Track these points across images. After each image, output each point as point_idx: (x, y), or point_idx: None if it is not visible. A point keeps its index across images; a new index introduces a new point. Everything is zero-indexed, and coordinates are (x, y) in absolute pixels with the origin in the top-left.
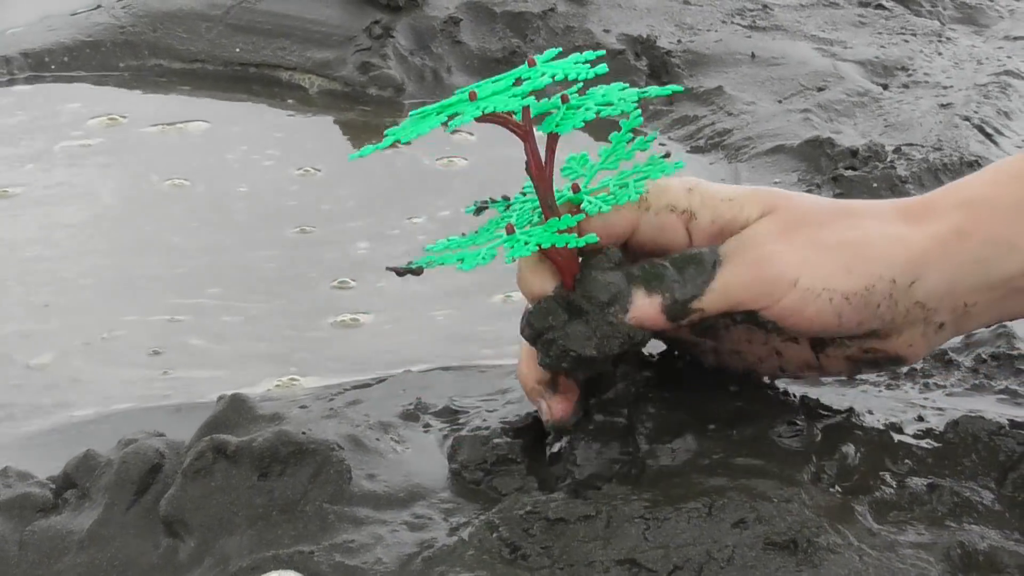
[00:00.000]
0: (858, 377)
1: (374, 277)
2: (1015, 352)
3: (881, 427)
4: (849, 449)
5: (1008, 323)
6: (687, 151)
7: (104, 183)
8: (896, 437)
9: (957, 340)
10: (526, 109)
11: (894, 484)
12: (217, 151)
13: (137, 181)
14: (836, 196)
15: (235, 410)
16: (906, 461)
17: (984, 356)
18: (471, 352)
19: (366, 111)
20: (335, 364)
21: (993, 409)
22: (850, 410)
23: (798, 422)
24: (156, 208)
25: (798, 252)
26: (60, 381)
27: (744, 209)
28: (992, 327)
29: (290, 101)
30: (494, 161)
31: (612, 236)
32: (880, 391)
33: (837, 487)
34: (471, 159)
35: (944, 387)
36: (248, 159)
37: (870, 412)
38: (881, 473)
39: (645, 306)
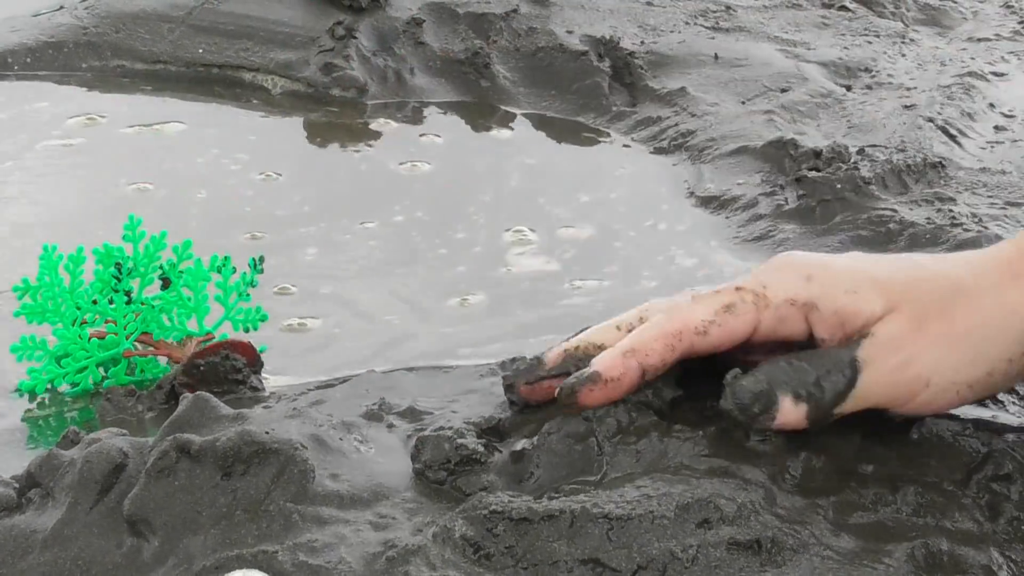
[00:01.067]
0: None
1: (317, 284)
2: None
3: (845, 427)
4: (812, 450)
5: None
6: (650, 152)
7: (71, 185)
8: (860, 437)
9: None
10: None
11: (858, 485)
12: (188, 154)
13: (104, 184)
14: (799, 197)
15: (199, 410)
16: (870, 462)
17: None
18: (429, 354)
19: (332, 111)
20: (298, 364)
21: (958, 409)
22: None
23: None
24: (114, 214)
25: (931, 352)
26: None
27: (867, 303)
28: None
29: (263, 104)
30: (458, 166)
31: (735, 341)
32: None
33: (801, 488)
34: (435, 163)
35: None
36: (217, 163)
37: None
38: (845, 474)
39: (791, 413)
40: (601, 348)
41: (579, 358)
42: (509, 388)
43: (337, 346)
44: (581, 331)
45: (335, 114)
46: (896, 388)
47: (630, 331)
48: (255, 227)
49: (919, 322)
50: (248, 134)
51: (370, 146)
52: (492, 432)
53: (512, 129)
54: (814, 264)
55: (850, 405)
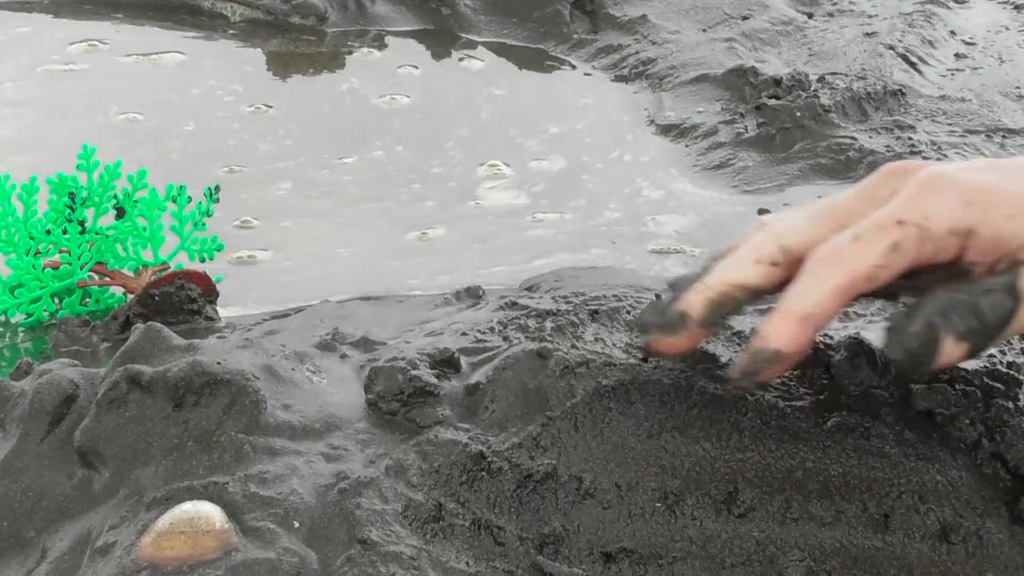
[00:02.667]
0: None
1: (280, 217)
2: None
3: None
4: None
5: None
6: (611, 80)
7: (63, 112)
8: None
9: None
10: None
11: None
12: (184, 85)
13: (94, 113)
14: (759, 125)
15: (150, 340)
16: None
17: None
18: (378, 288)
19: (291, 39)
20: (246, 297)
21: None
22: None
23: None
24: (99, 143)
25: None
26: None
27: None
28: None
29: (299, 40)
30: (436, 98)
31: (895, 277)
32: None
33: None
34: (413, 96)
35: (864, 316)
36: (211, 95)
37: None
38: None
39: (952, 353)
40: (745, 288)
41: (725, 306)
42: (643, 334)
43: (285, 279)
44: (706, 262)
45: (310, 43)
46: None
47: (772, 265)
48: (236, 161)
49: None
50: (245, 66)
51: (354, 79)
52: (447, 364)
53: (481, 60)
54: (973, 187)
55: (1006, 335)
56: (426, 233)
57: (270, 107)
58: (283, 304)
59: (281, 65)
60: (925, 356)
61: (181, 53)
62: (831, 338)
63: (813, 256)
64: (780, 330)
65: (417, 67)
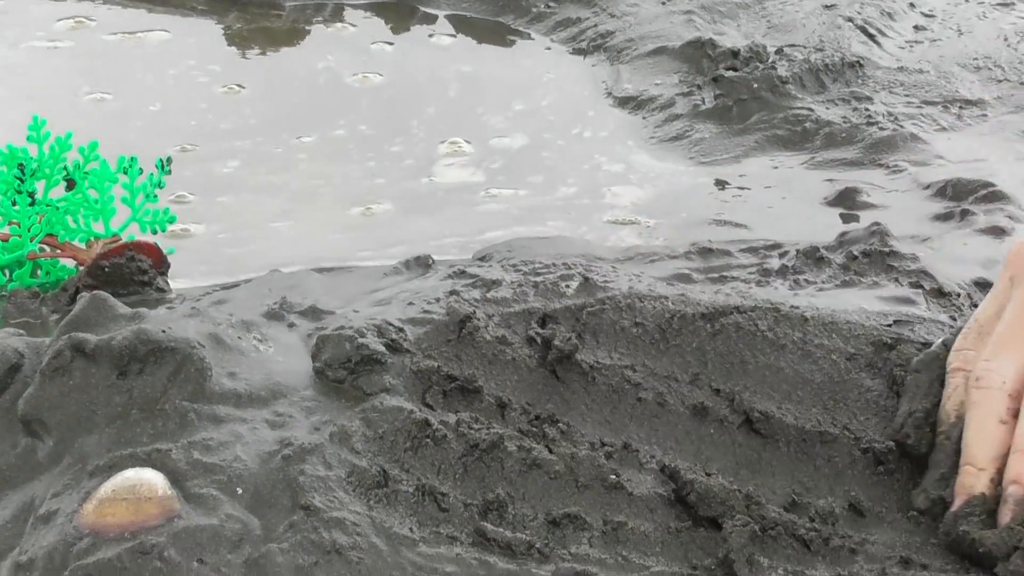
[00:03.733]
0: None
1: (218, 192)
2: (887, 249)
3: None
4: None
5: (882, 221)
6: (570, 53)
7: (35, 89)
8: None
9: (831, 237)
10: None
11: None
12: (162, 64)
13: (65, 92)
14: (716, 97)
15: (96, 309)
16: None
17: (856, 253)
18: (319, 258)
19: (250, 14)
20: (202, 269)
21: (862, 304)
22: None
23: None
24: (58, 122)
25: None
26: None
27: None
28: (867, 224)
29: (259, 14)
30: (406, 76)
31: None
32: (751, 287)
33: None
34: (386, 74)
35: (815, 283)
36: (187, 75)
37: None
38: None
39: None
40: (1006, 455)
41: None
42: None
43: (223, 252)
44: (964, 444)
45: (272, 18)
46: None
47: (1014, 414)
48: (191, 139)
49: None
50: (227, 45)
51: (329, 57)
52: (394, 332)
53: (450, 36)
54: None
55: None
56: (370, 208)
57: (243, 87)
58: (234, 276)
59: (263, 44)
60: None
61: (166, 31)
62: None
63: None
64: None
65: (391, 43)
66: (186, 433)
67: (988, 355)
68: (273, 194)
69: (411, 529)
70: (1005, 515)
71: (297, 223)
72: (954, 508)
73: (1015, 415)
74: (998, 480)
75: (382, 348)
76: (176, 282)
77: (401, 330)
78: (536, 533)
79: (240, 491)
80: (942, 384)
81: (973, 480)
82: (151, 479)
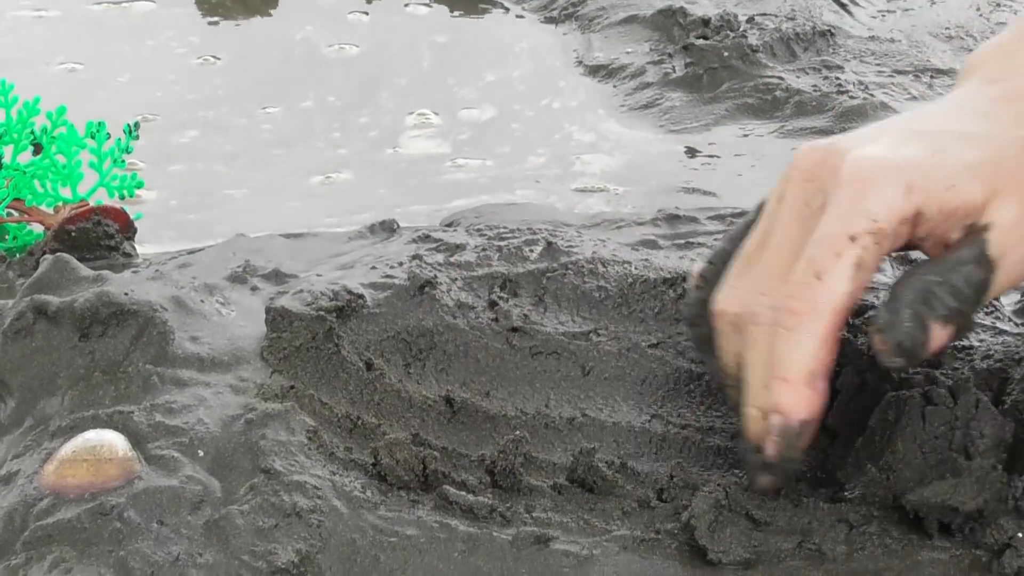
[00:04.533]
0: None
1: (170, 161)
2: None
3: None
4: None
5: None
6: (541, 21)
7: (13, 58)
8: None
9: None
10: None
11: None
12: (140, 36)
13: (39, 61)
14: (687, 65)
15: (58, 271)
16: None
17: None
18: (263, 228)
19: None
20: (170, 234)
21: None
22: None
23: None
24: (26, 91)
25: None
26: None
27: (968, 194)
28: None
29: None
30: (381, 47)
31: (864, 287)
32: None
33: None
34: (363, 46)
35: None
36: (164, 46)
37: None
38: None
39: (941, 338)
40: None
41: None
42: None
43: (175, 218)
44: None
45: None
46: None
47: None
48: (153, 110)
49: None
50: (209, 16)
51: (308, 27)
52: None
53: (427, 6)
54: (907, 169)
55: (981, 306)
56: (330, 176)
57: (219, 59)
58: (202, 242)
59: (243, 14)
60: (917, 347)
61: (152, 2)
62: None
63: (783, 307)
64: (795, 399)
65: (367, 13)
66: (148, 396)
67: (741, 279)
68: (228, 163)
69: (372, 493)
70: (770, 448)
71: (252, 191)
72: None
73: None
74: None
75: (336, 312)
76: (143, 247)
77: (361, 296)
78: (499, 497)
79: (202, 454)
80: None
81: (759, 426)
82: (112, 440)
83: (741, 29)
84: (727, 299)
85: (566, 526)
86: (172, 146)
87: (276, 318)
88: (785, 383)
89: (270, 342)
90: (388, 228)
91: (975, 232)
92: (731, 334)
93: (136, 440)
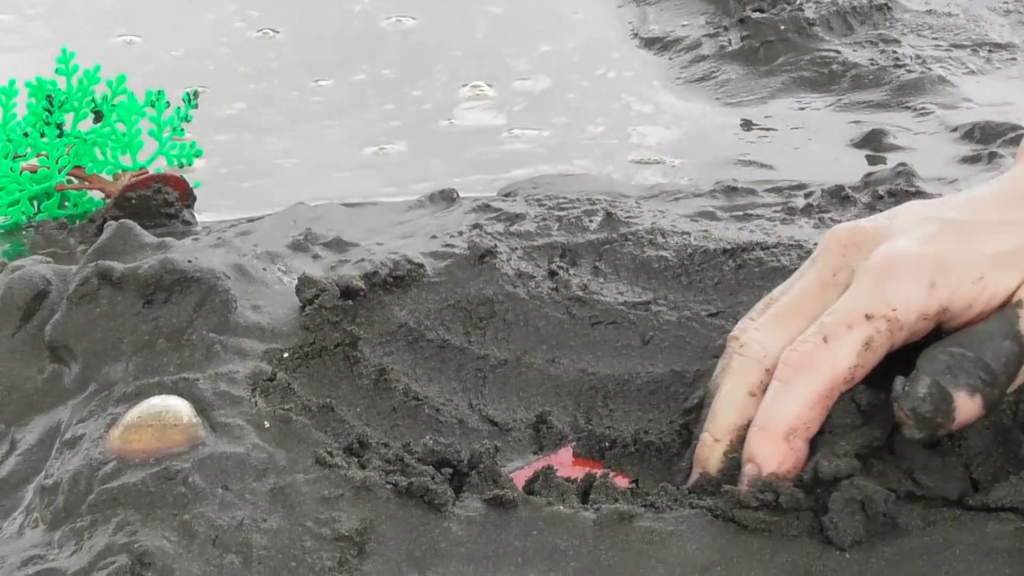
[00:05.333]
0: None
1: (215, 132)
2: (913, 189)
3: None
4: None
5: (908, 162)
6: None
7: (70, 32)
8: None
9: (857, 178)
10: None
11: None
12: (201, 9)
13: (96, 33)
14: (743, 38)
15: (122, 237)
16: None
17: (881, 193)
18: (318, 197)
19: None
20: (227, 203)
21: None
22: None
23: None
24: (82, 62)
25: None
26: None
27: (998, 283)
28: (893, 165)
29: None
30: (437, 19)
31: (868, 371)
32: (775, 225)
33: None
34: (420, 18)
35: (840, 222)
36: (225, 20)
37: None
38: None
39: (968, 408)
40: (747, 427)
41: (739, 449)
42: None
43: (229, 186)
44: (708, 410)
45: None
46: None
47: (764, 389)
48: (204, 82)
49: None
50: None
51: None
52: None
53: None
54: (933, 266)
55: (1019, 381)
56: (383, 148)
57: (277, 32)
58: (259, 210)
59: None
60: (941, 419)
61: None
62: None
63: (783, 361)
64: (769, 452)
65: None
66: (212, 364)
67: (760, 325)
68: (277, 134)
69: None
70: (742, 488)
71: (302, 161)
72: (688, 484)
73: (765, 390)
74: (731, 452)
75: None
76: (202, 215)
77: (421, 265)
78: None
79: (267, 425)
80: None
81: (708, 452)
82: (177, 406)
83: (797, 2)
84: (740, 327)
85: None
86: (218, 117)
87: (301, 287)
88: (763, 433)
89: (304, 315)
90: (448, 198)
91: (1006, 309)
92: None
93: (201, 407)
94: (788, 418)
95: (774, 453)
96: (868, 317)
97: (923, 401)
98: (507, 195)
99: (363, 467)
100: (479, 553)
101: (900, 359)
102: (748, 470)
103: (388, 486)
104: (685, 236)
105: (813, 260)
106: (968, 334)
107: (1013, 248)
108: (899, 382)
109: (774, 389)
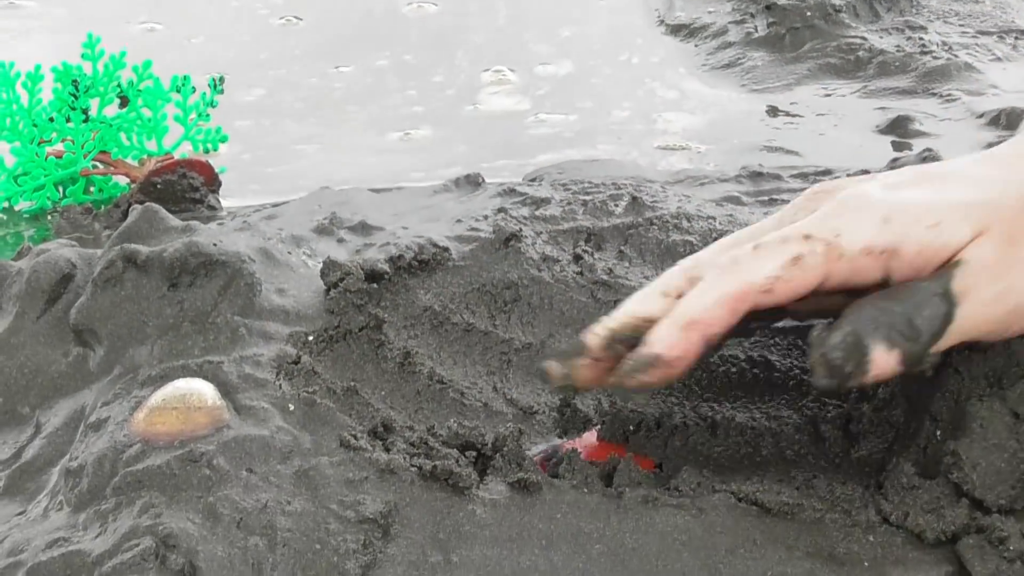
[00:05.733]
0: None
1: (234, 118)
2: None
3: None
4: None
5: (933, 148)
6: None
7: (92, 18)
8: None
9: (882, 164)
10: None
11: None
12: None
13: (118, 20)
14: (769, 25)
15: (147, 221)
16: None
17: None
18: (340, 182)
19: None
20: (253, 188)
21: None
22: None
23: None
24: (104, 47)
25: None
26: None
27: (953, 234)
28: (919, 151)
29: None
30: (460, 5)
31: (801, 295)
32: None
33: None
34: (440, 3)
35: None
36: (248, 6)
37: None
38: None
39: (885, 362)
40: (650, 321)
41: (626, 337)
42: (542, 376)
43: (253, 172)
44: (618, 305)
45: None
46: (999, 319)
47: (679, 297)
48: (223, 69)
49: (1013, 243)
50: None
51: None
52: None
53: None
54: (893, 203)
55: (946, 342)
56: (408, 133)
57: (300, 19)
58: (285, 196)
59: None
60: (853, 369)
61: None
62: None
63: (710, 264)
64: (662, 334)
65: None
66: (237, 347)
67: (716, 245)
68: (298, 119)
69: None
70: (621, 367)
71: (325, 147)
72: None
73: (679, 297)
74: (616, 336)
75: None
76: (227, 201)
77: (446, 249)
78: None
79: (292, 408)
80: None
81: (593, 330)
82: (201, 389)
83: None
84: (699, 259)
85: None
86: (238, 104)
87: (326, 270)
88: (667, 320)
89: (329, 299)
90: (473, 182)
91: (944, 268)
92: None
93: (226, 391)
94: (694, 309)
95: (667, 335)
96: (806, 237)
97: (835, 348)
98: (533, 180)
99: (387, 450)
100: (503, 535)
101: None
102: (639, 348)
103: (412, 469)
104: (711, 221)
105: (794, 204)
106: (901, 289)
107: (976, 201)
108: (817, 327)
109: (695, 287)
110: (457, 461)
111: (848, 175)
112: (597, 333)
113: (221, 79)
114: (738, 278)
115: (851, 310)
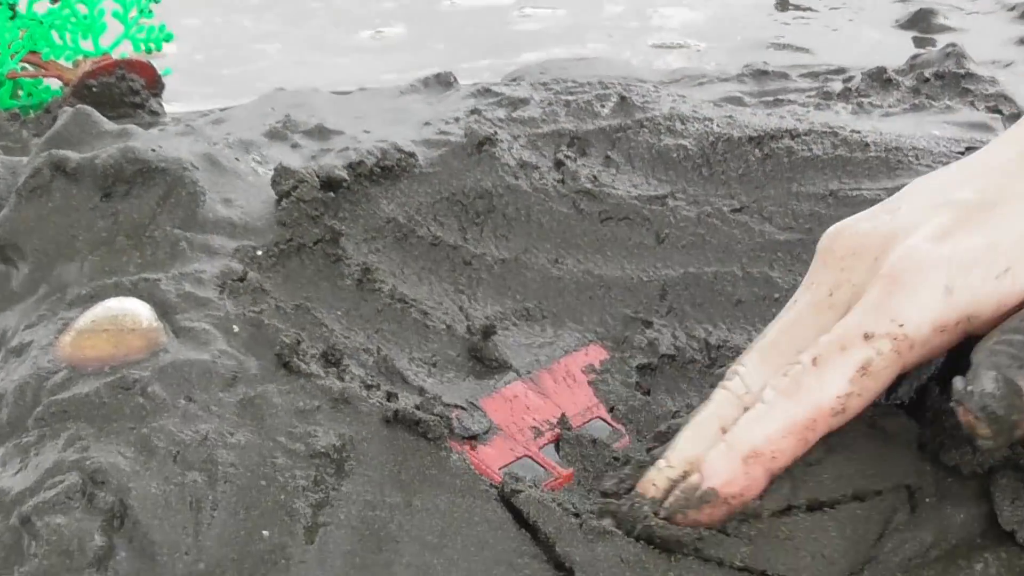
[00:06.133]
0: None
1: (180, 14)
2: (963, 71)
3: None
4: None
5: (958, 43)
6: None
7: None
8: None
9: (901, 61)
10: None
11: None
12: None
13: None
14: None
15: (79, 125)
16: None
17: (927, 75)
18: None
19: None
20: (200, 91)
21: (931, 130)
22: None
23: None
24: None
25: None
26: None
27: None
28: (942, 47)
29: None
30: None
31: (871, 402)
32: (808, 111)
33: None
34: None
35: (881, 107)
36: None
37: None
38: None
39: None
40: None
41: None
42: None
43: (204, 73)
44: (670, 435)
45: None
46: None
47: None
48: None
49: None
50: None
51: None
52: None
53: None
54: (950, 266)
55: None
56: (380, 31)
57: None
58: (238, 101)
59: None
60: (1016, 414)
61: None
62: None
63: (770, 386)
64: (720, 465)
65: None
66: (177, 263)
67: (747, 359)
68: (255, 16)
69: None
70: (669, 499)
71: (287, 46)
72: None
73: None
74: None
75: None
76: (171, 106)
77: (412, 154)
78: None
79: (236, 329)
80: None
81: (655, 474)
82: (135, 309)
83: None
84: (746, 384)
85: None
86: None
87: (277, 178)
88: (723, 447)
89: (280, 209)
90: (444, 82)
91: None
92: None
93: (163, 311)
94: (755, 440)
95: (724, 468)
96: (867, 337)
97: (992, 397)
98: (512, 80)
99: (341, 378)
100: (477, 487)
101: None
102: (690, 478)
103: (372, 402)
104: (707, 123)
105: (807, 279)
106: (1015, 319)
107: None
108: (959, 381)
109: (754, 409)
110: (420, 407)
111: (863, 73)
112: (657, 484)
113: None
114: (805, 404)
115: (983, 355)
